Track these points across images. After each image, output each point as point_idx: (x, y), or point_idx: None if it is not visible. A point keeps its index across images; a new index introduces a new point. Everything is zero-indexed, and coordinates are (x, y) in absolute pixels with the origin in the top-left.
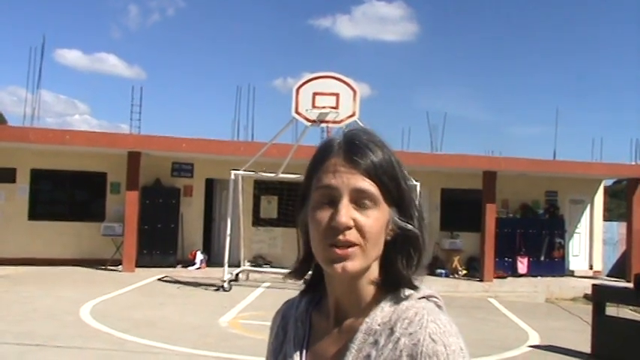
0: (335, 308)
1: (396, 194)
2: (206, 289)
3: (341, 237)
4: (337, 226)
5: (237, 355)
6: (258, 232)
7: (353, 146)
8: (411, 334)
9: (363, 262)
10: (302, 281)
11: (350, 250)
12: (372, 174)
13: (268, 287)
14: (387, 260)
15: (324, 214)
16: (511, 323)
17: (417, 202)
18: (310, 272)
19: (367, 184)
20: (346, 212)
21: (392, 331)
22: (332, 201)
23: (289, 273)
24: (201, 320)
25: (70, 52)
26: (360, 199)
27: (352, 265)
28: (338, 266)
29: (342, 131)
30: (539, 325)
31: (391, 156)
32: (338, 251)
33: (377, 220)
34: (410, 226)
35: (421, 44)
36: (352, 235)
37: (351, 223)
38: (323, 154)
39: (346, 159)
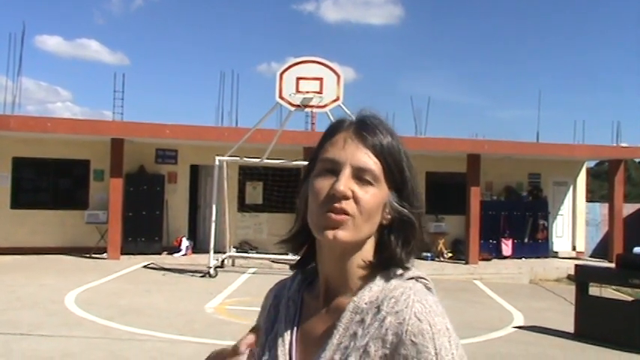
0: (325, 287)
1: (398, 178)
2: (192, 276)
3: (337, 205)
4: (335, 193)
5: (224, 341)
6: (243, 218)
7: (364, 124)
8: (396, 312)
9: (353, 233)
10: (289, 267)
11: (344, 217)
12: (378, 152)
13: (254, 273)
14: (381, 243)
15: (325, 183)
16: (496, 305)
17: (419, 192)
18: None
19: (370, 161)
20: (346, 182)
21: (378, 309)
22: (334, 171)
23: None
24: (187, 307)
25: (50, 38)
26: (361, 175)
27: (343, 234)
28: (330, 233)
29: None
30: (523, 306)
31: (399, 143)
32: (333, 216)
33: (374, 196)
34: (406, 211)
35: (406, 28)
36: (348, 205)
37: (349, 194)
38: (333, 130)
39: (355, 133)
